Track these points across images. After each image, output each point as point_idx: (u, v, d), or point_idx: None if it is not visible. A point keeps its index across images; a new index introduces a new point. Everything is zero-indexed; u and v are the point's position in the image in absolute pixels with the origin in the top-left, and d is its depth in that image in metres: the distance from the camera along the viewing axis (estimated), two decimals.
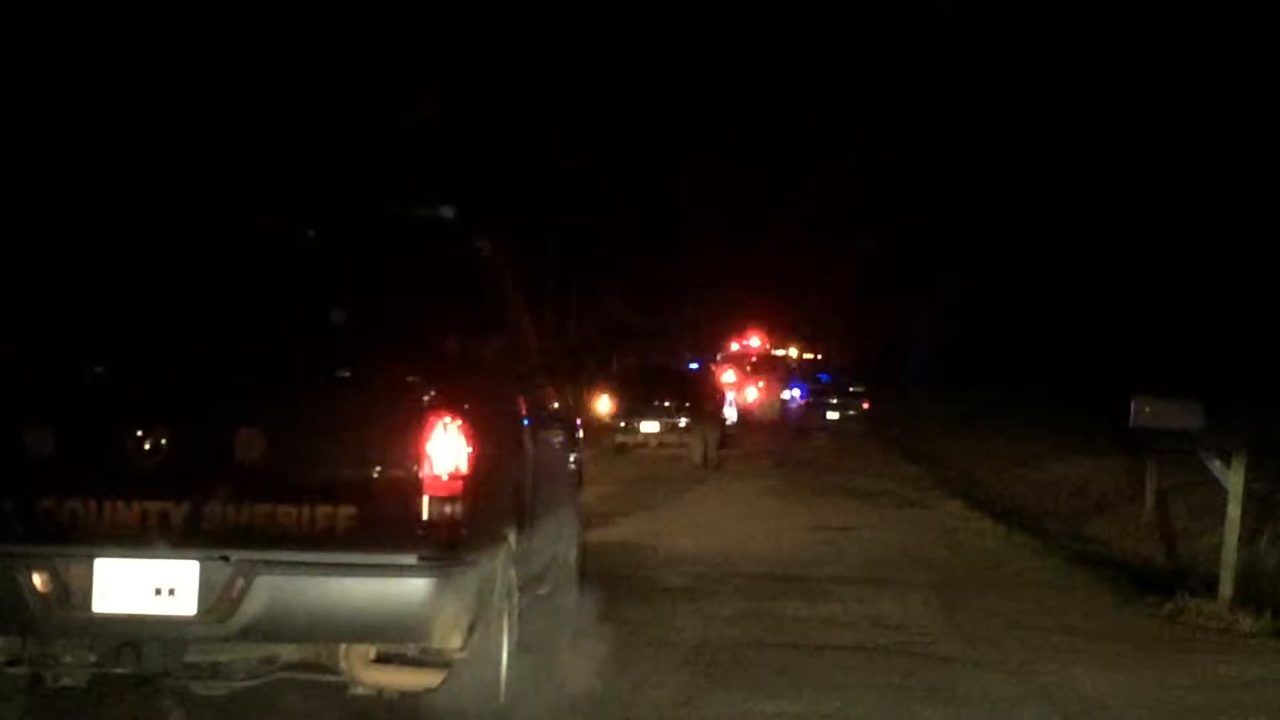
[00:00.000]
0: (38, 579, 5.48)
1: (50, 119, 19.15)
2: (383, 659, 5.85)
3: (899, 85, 45.63)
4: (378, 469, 5.61)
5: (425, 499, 5.58)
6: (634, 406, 26.47)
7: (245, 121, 22.33)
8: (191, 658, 5.76)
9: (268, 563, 5.49)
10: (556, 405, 8.65)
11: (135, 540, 5.51)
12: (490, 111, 30.35)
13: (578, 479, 9.83)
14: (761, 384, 49.53)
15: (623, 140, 38.84)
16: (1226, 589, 11.20)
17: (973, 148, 40.35)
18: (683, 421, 26.33)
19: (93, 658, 5.76)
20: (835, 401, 49.41)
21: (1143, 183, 31.31)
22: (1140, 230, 32.18)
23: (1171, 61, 29.65)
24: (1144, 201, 31.44)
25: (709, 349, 49.05)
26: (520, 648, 6.78)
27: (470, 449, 5.69)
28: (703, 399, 27.42)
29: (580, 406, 17.56)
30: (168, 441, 5.56)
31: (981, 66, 38.95)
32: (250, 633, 5.56)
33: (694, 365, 33.41)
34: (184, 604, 5.52)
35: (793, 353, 62.61)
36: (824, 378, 53.84)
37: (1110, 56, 32.31)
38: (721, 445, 27.48)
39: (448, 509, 5.60)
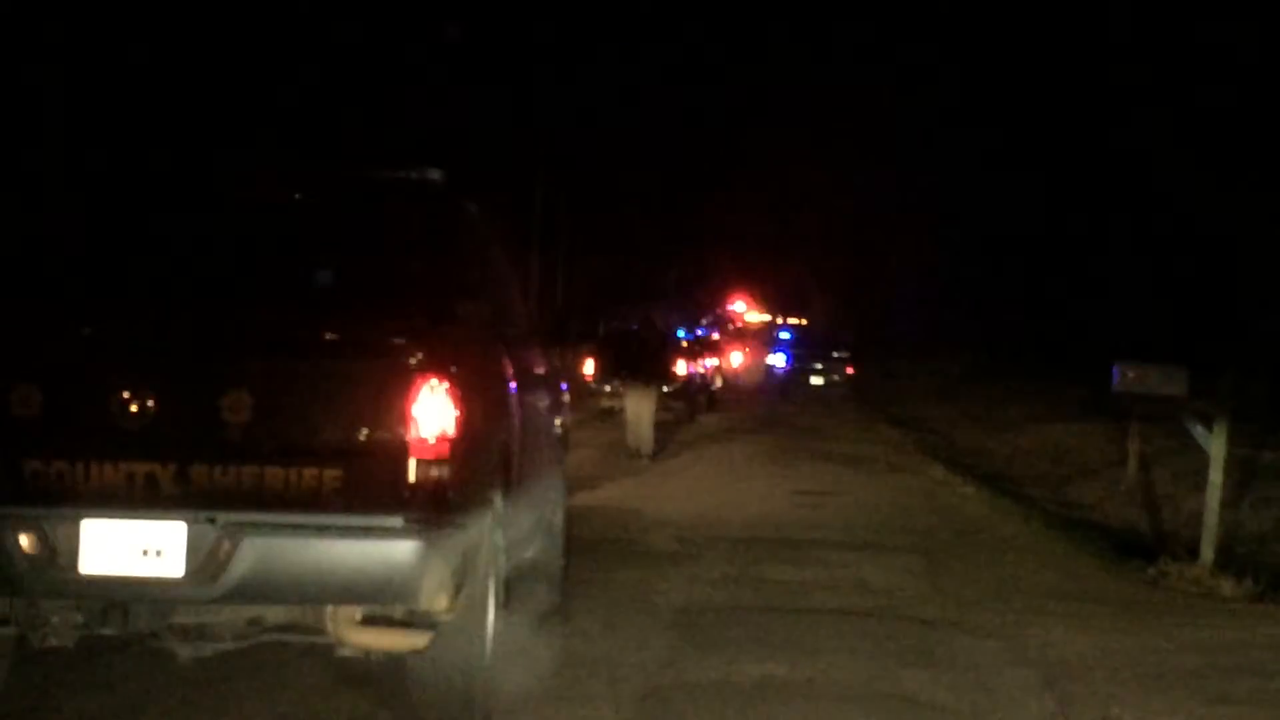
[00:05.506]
0: (25, 540, 5.47)
1: (38, 78, 19.03)
2: (369, 621, 5.85)
3: (890, 35, 45.63)
4: (364, 431, 5.60)
5: (412, 461, 5.57)
6: (619, 370, 26.18)
7: (232, 80, 22.21)
8: (178, 619, 5.76)
9: (255, 524, 5.48)
10: (543, 368, 8.65)
11: (122, 501, 5.50)
12: (478, 67, 30.21)
13: (564, 442, 9.84)
14: (747, 349, 49.61)
15: (610, 102, 38.74)
16: (1208, 554, 11.27)
17: (968, 106, 40.35)
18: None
19: (80, 619, 5.75)
20: (820, 367, 49.51)
21: (1131, 150, 31.37)
22: (1127, 198, 32.27)
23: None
24: (1132, 168, 31.49)
25: (697, 313, 48.90)
26: (506, 610, 6.82)
27: (457, 411, 5.68)
28: (642, 361, 21.37)
29: (566, 369, 17.11)
30: (155, 403, 5.55)
31: (973, 27, 38.92)
32: (237, 594, 5.56)
33: (681, 334, 32.95)
34: (171, 565, 5.51)
35: (779, 318, 62.72)
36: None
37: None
38: (650, 425, 20.43)
39: (434, 471, 5.60)
